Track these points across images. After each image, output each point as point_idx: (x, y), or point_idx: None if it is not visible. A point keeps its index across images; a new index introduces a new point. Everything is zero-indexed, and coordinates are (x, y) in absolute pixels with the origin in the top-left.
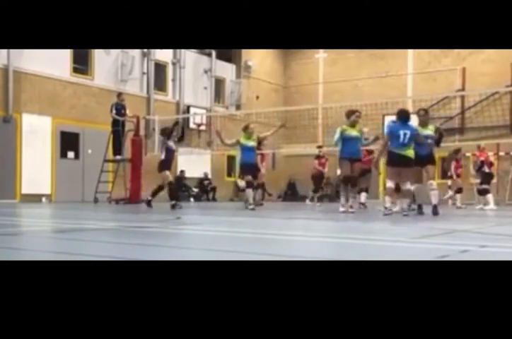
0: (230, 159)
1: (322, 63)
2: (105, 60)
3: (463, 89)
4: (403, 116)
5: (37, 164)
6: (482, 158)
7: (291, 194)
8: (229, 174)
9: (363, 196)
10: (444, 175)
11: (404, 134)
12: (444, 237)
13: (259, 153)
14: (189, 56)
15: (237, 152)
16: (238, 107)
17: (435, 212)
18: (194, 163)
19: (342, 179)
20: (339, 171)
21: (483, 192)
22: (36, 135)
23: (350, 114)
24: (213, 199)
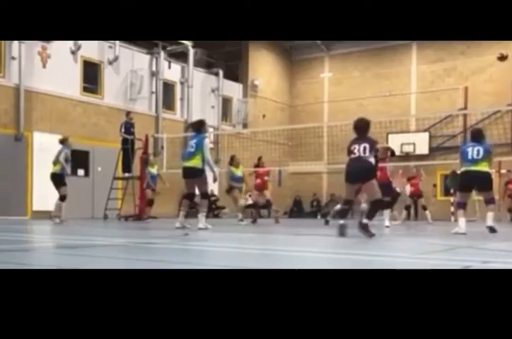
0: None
1: (327, 82)
2: (114, 79)
3: (465, 108)
4: None
5: (48, 182)
6: None
7: (297, 211)
8: None
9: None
10: (447, 192)
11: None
12: (447, 253)
13: (256, 171)
14: (197, 76)
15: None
16: (245, 126)
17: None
18: None
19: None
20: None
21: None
22: (47, 153)
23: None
24: (216, 216)
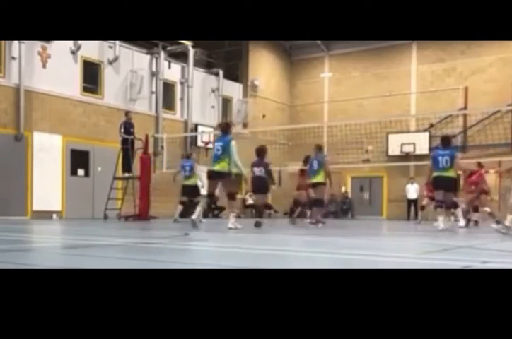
0: (236, 177)
1: (327, 82)
2: (114, 79)
3: (465, 108)
4: None
5: (48, 182)
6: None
7: None
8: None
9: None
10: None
11: None
12: (447, 253)
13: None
14: (197, 76)
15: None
16: (245, 126)
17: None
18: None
19: None
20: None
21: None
22: (47, 153)
23: None
24: (217, 216)
